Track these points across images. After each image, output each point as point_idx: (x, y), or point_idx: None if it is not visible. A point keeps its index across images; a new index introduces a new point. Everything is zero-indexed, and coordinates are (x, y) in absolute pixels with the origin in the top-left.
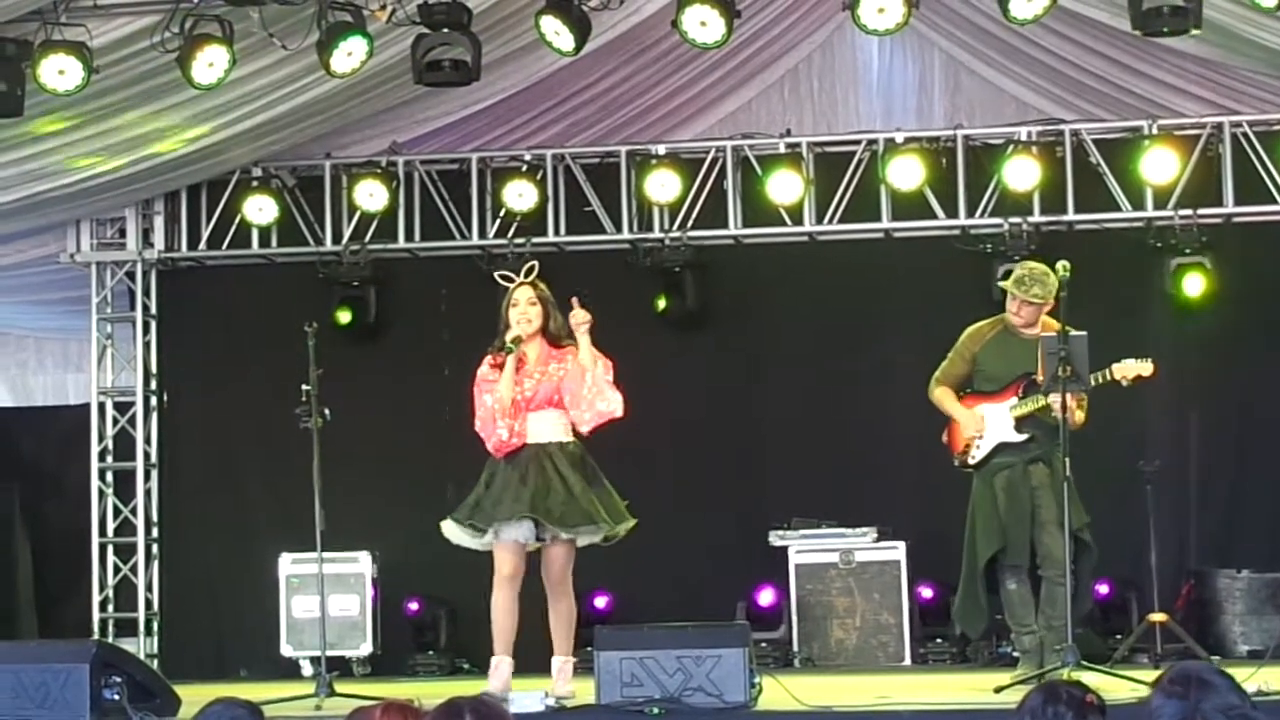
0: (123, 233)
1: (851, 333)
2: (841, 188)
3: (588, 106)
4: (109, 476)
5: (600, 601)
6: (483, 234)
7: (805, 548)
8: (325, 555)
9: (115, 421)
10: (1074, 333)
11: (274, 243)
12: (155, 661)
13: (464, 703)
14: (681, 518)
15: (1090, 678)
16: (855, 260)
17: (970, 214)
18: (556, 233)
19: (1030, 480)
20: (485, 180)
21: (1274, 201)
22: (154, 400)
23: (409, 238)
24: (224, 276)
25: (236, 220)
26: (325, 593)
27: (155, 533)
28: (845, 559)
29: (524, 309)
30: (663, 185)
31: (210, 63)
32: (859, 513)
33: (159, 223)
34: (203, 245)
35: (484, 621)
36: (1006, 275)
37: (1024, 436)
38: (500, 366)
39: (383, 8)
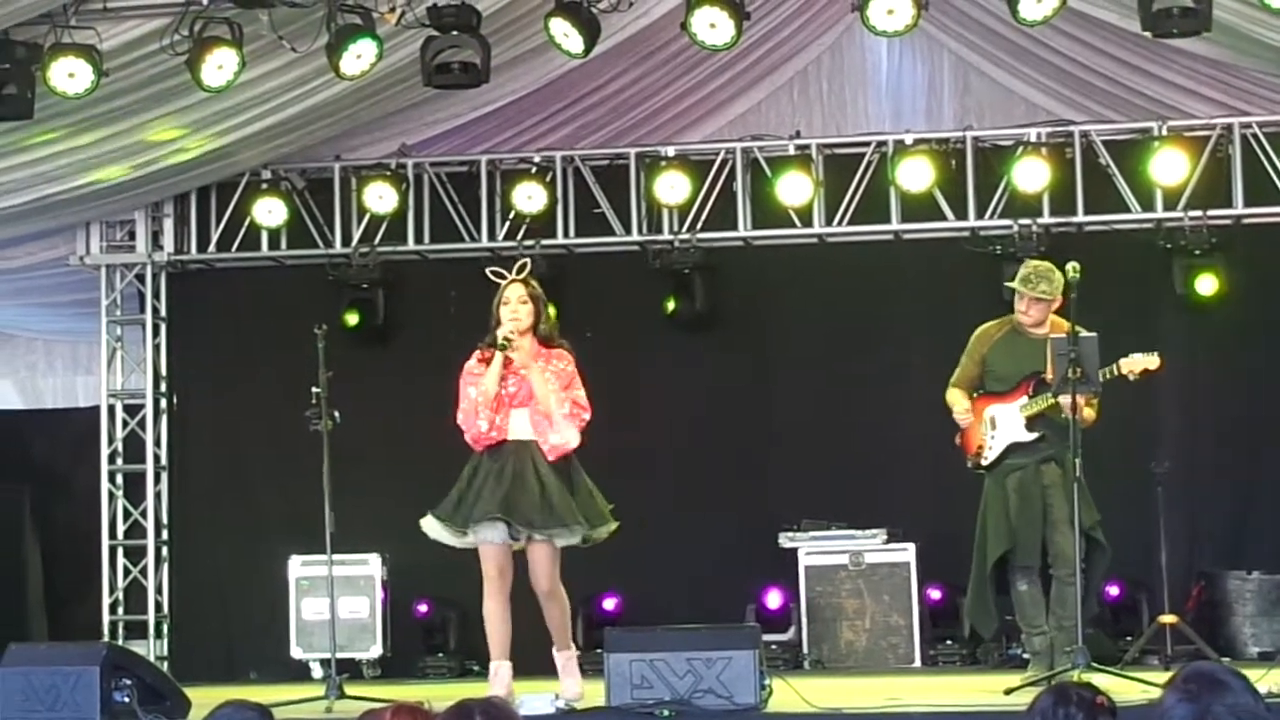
0: (132, 235)
1: (861, 334)
2: (851, 189)
3: (597, 108)
4: (119, 479)
5: (609, 603)
6: (492, 236)
7: (815, 549)
8: (335, 557)
9: (125, 424)
10: (1084, 334)
11: (283, 245)
12: (165, 664)
13: (474, 705)
14: (691, 519)
15: (1101, 679)
16: (865, 262)
17: (980, 215)
18: (566, 235)
19: (1042, 479)
20: (495, 182)
21: None
22: (164, 403)
23: (418, 240)
24: (233, 279)
25: (246, 222)
26: (335, 595)
27: (165, 535)
28: (855, 561)
29: (515, 307)
30: (672, 187)
31: (220, 65)
32: (869, 514)
33: (168, 225)
34: (212, 247)
35: None
36: (1013, 277)
37: (1035, 435)
38: (488, 361)
39: (392, 10)
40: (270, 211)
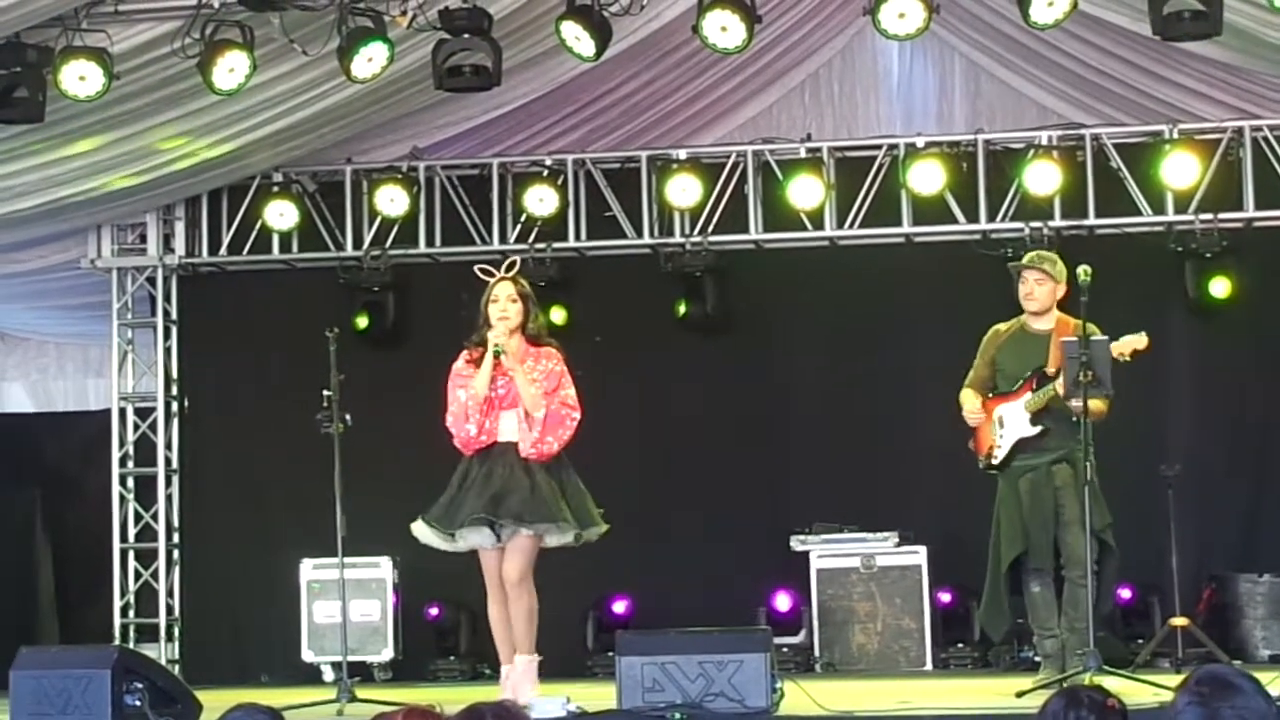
0: (144, 238)
1: (872, 337)
2: (862, 192)
3: (609, 111)
4: (130, 482)
5: (620, 606)
6: (503, 239)
7: (826, 552)
8: (346, 560)
9: (136, 427)
10: (1095, 337)
11: (295, 248)
12: (176, 667)
13: (485, 708)
14: (701, 523)
15: (1112, 682)
16: (876, 265)
17: (991, 218)
18: (577, 238)
19: (1054, 481)
20: (506, 185)
21: None
22: (175, 406)
23: (430, 243)
24: (245, 282)
25: (257, 225)
26: (346, 598)
27: (176, 538)
28: (866, 564)
29: (504, 305)
30: (683, 190)
31: (231, 68)
32: (880, 517)
33: (180, 228)
34: (223, 250)
35: None
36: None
37: (1038, 429)
38: (476, 362)
39: (403, 13)
40: (281, 214)
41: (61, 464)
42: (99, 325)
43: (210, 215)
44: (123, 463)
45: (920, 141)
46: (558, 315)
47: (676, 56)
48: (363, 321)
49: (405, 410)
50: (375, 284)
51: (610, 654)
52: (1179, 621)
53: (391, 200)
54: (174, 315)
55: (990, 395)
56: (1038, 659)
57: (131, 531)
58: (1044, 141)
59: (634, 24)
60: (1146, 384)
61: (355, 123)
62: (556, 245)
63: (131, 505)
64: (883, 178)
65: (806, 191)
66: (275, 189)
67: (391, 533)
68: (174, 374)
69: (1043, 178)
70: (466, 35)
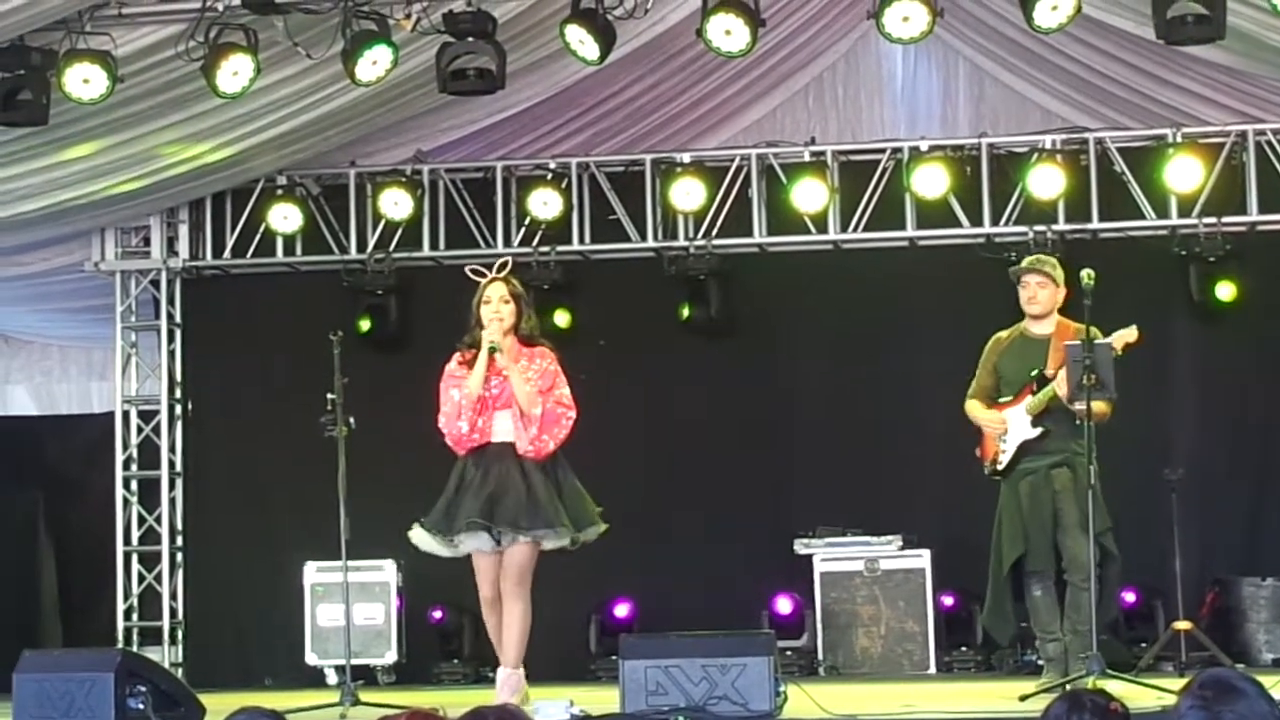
0: (147, 241)
1: (876, 341)
2: (866, 196)
3: (613, 115)
4: (133, 485)
5: (622, 610)
6: (507, 242)
7: (830, 556)
8: (350, 564)
9: (139, 430)
10: (1099, 341)
11: (299, 251)
12: (180, 670)
13: (489, 712)
14: (704, 525)
15: (1115, 686)
16: (879, 268)
17: (995, 222)
18: (581, 241)
19: (1053, 484)
20: (510, 189)
21: None
22: (178, 409)
23: (434, 246)
24: (248, 285)
25: (261, 228)
26: (350, 601)
27: (180, 541)
28: (870, 567)
29: (496, 306)
30: (687, 193)
31: (235, 71)
32: (884, 521)
33: (183, 231)
34: (227, 254)
35: None
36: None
37: (1039, 431)
38: (469, 364)
39: (407, 17)
40: (285, 218)
41: (65, 467)
42: (102, 328)
43: (214, 218)
44: (126, 465)
45: (924, 145)
46: (561, 319)
47: (680, 60)
48: (366, 324)
49: (409, 413)
50: (379, 287)
51: (613, 657)
52: (1182, 625)
53: (395, 203)
54: (178, 318)
55: (995, 403)
56: (1041, 663)
57: (135, 534)
58: (1048, 145)
59: (638, 27)
60: (1150, 387)
61: (359, 126)
62: (560, 248)
63: (135, 508)
64: (887, 181)
65: (810, 195)
66: (279, 192)
67: (395, 536)
68: (177, 377)
69: (1046, 181)
70: (471, 38)
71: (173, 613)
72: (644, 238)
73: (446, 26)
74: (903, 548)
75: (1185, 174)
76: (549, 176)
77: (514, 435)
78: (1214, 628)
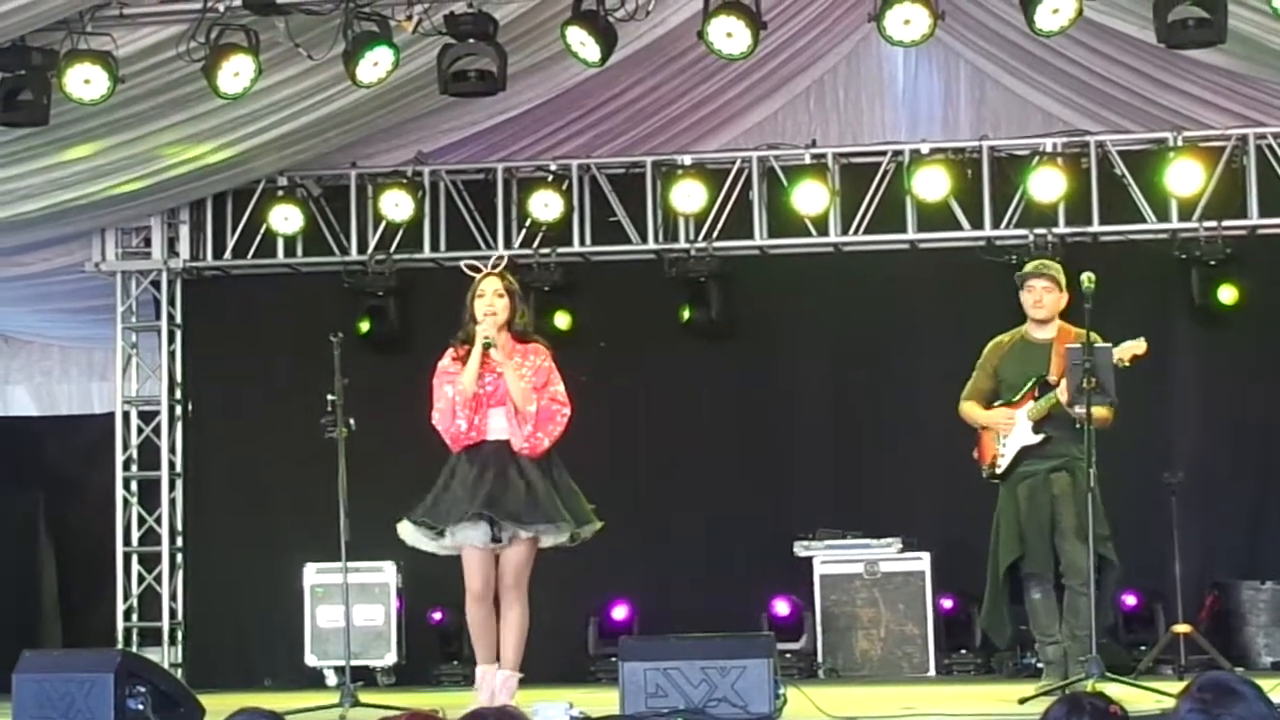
0: (148, 242)
1: (876, 343)
2: (867, 198)
3: (614, 117)
4: (133, 485)
5: (621, 611)
6: (508, 244)
7: (830, 558)
8: (350, 565)
9: (140, 431)
10: (1099, 344)
11: (299, 252)
12: (179, 671)
13: (488, 713)
14: (705, 528)
15: (1114, 689)
16: (880, 271)
17: (995, 225)
18: (582, 243)
19: (1051, 488)
20: (511, 190)
21: None
22: (178, 409)
23: (434, 248)
24: (249, 286)
25: (262, 229)
26: (350, 602)
27: (180, 542)
28: (870, 570)
29: (490, 300)
30: (688, 195)
31: (236, 72)
32: (884, 523)
33: (184, 232)
34: (228, 254)
35: None
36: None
37: (1041, 437)
38: (463, 360)
39: (409, 18)
40: (286, 219)
41: (65, 467)
42: (103, 329)
43: (215, 219)
44: (126, 466)
45: (925, 148)
46: (562, 320)
47: (682, 62)
48: (366, 326)
49: (409, 415)
50: (379, 288)
51: (612, 659)
52: (1182, 628)
53: (396, 205)
54: (178, 319)
55: (995, 406)
56: (1040, 665)
57: (135, 535)
58: (1049, 148)
59: (639, 29)
60: (1150, 390)
61: (360, 127)
62: (561, 250)
63: (135, 509)
64: (887, 184)
65: (811, 197)
66: (280, 193)
67: (394, 537)
68: (178, 378)
69: (1047, 184)
70: (472, 40)
71: (172, 613)
72: (645, 240)
73: (448, 28)
74: (902, 550)
75: (1186, 177)
76: (550, 178)
77: (509, 433)
78: (1213, 631)
